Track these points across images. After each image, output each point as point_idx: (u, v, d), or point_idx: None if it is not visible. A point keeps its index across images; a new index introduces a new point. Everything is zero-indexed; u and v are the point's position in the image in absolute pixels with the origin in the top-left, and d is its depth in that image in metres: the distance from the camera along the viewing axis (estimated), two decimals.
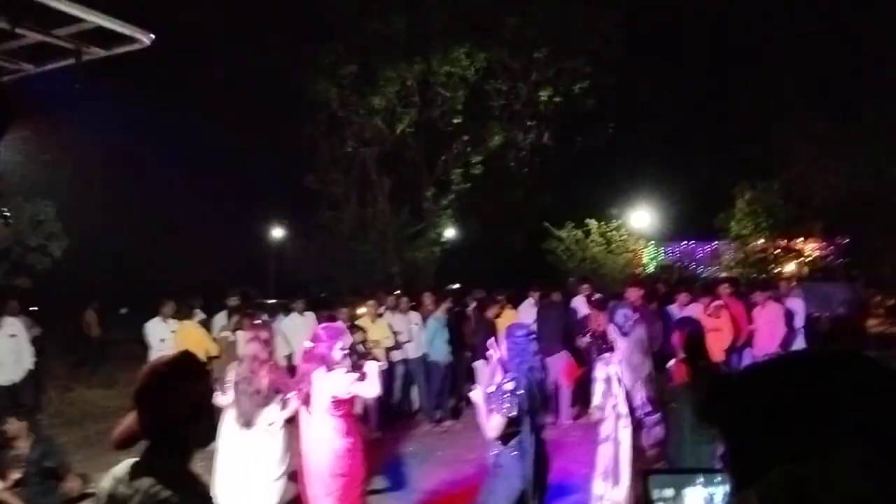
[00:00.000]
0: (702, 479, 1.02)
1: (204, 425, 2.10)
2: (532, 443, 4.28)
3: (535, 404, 4.29)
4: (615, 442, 4.49)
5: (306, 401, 4.56)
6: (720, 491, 1.00)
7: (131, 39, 3.60)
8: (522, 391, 4.23)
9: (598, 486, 4.52)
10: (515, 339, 4.42)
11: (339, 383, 4.59)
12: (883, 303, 23.56)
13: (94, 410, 11.31)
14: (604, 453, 4.52)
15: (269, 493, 5.05)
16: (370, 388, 4.69)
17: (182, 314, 9.60)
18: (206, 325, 10.13)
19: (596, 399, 4.52)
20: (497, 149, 19.25)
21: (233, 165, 20.76)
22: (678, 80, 22.49)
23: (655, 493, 1.02)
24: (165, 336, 9.78)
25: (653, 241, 21.97)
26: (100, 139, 17.13)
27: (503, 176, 20.11)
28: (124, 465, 2.09)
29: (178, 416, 2.02)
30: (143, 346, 10.09)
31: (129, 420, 2.05)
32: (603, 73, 18.79)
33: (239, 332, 9.48)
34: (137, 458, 2.08)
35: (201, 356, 9.01)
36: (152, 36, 3.58)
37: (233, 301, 11.00)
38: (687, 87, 22.79)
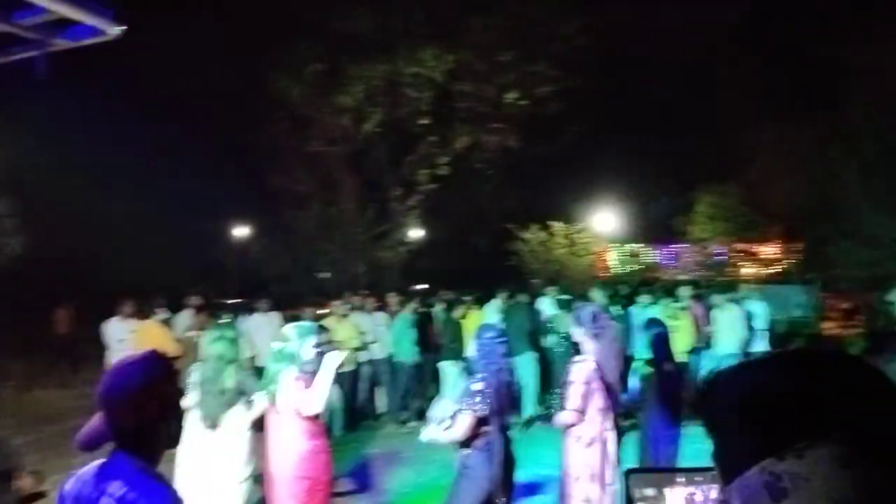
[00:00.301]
0: (682, 479, 1.04)
1: (173, 426, 2.07)
2: (500, 444, 4.31)
3: (503, 405, 4.33)
4: (602, 443, 4.50)
5: (274, 401, 4.52)
6: (701, 490, 1.02)
7: (99, 31, 3.51)
8: (491, 391, 4.26)
9: (584, 490, 4.51)
10: (484, 340, 4.47)
11: (297, 393, 4.55)
12: (837, 306, 24.16)
13: (49, 411, 11.07)
14: (591, 455, 4.51)
15: (233, 496, 4.99)
16: (316, 400, 4.63)
17: (143, 313, 9.42)
18: (167, 324, 9.96)
19: (572, 402, 4.49)
20: (463, 150, 19.31)
21: (195, 163, 20.48)
22: (642, 86, 22.79)
23: (636, 493, 1.03)
24: (124, 336, 9.60)
25: (618, 244, 22.27)
26: (59, 135, 16.78)
27: (469, 177, 20.17)
28: (90, 467, 2.05)
29: (149, 417, 1.99)
30: (100, 346, 9.90)
31: (95, 421, 2.01)
32: (568, 77, 18.96)
33: (202, 332, 9.36)
34: (103, 460, 2.04)
35: None
36: (122, 28, 3.49)
37: (194, 300, 10.86)
38: (651, 92, 23.11)
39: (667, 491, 1.03)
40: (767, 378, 0.86)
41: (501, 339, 4.52)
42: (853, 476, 0.76)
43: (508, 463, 4.47)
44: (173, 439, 2.07)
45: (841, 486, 0.76)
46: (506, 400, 4.35)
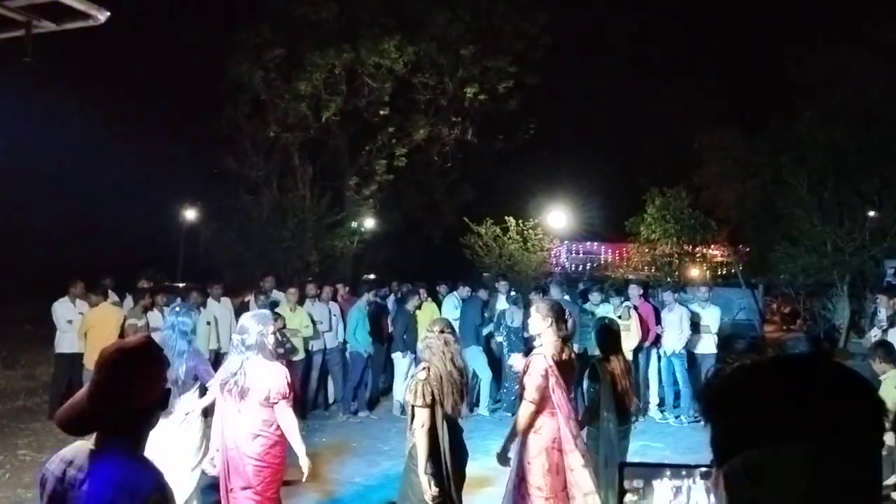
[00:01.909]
0: (668, 473, 1.13)
1: (159, 413, 2.09)
2: (444, 432, 4.38)
3: (449, 394, 4.40)
4: (558, 436, 4.60)
5: (242, 393, 4.50)
6: (685, 483, 1.12)
7: (85, 15, 3.46)
8: (434, 381, 4.35)
9: (539, 480, 4.59)
10: (428, 332, 4.62)
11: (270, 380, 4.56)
12: (779, 310, 24.91)
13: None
14: (554, 449, 4.60)
15: (185, 483, 4.98)
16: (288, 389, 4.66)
17: (98, 295, 9.25)
18: (116, 306, 9.79)
19: (529, 394, 4.58)
20: (421, 142, 19.33)
21: (145, 143, 20.05)
22: (598, 86, 23.12)
23: (627, 484, 1.12)
24: (73, 318, 9.44)
25: (566, 241, 22.56)
26: (5, 112, 16.26)
27: (426, 170, 20.20)
28: (74, 448, 2.05)
29: (141, 402, 2.01)
30: (45, 327, 9.71)
31: (78, 403, 2.01)
32: (527, 74, 19.13)
33: (151, 315, 9.23)
34: (86, 441, 2.05)
35: (112, 340, 8.72)
36: (107, 13, 3.45)
37: (143, 284, 10.70)
38: (607, 93, 23.46)
39: (655, 483, 1.13)
40: (758, 378, 0.96)
41: (449, 331, 4.61)
42: (821, 471, 0.86)
43: (457, 453, 4.54)
44: (154, 424, 2.09)
45: (809, 480, 0.85)
46: (451, 391, 4.42)
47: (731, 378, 0.99)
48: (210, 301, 10.27)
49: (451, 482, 4.45)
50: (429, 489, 4.31)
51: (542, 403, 4.58)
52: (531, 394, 4.54)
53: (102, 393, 1.97)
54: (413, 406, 4.38)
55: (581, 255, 24.88)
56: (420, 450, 4.33)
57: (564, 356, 4.75)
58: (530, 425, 4.62)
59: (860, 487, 0.87)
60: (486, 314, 11.24)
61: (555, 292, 10.57)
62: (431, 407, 4.36)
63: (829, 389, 0.91)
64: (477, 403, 10.74)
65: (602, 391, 5.10)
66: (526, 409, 4.58)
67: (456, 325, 10.63)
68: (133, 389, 1.99)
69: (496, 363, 10.92)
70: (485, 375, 10.72)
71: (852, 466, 0.87)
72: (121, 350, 2.06)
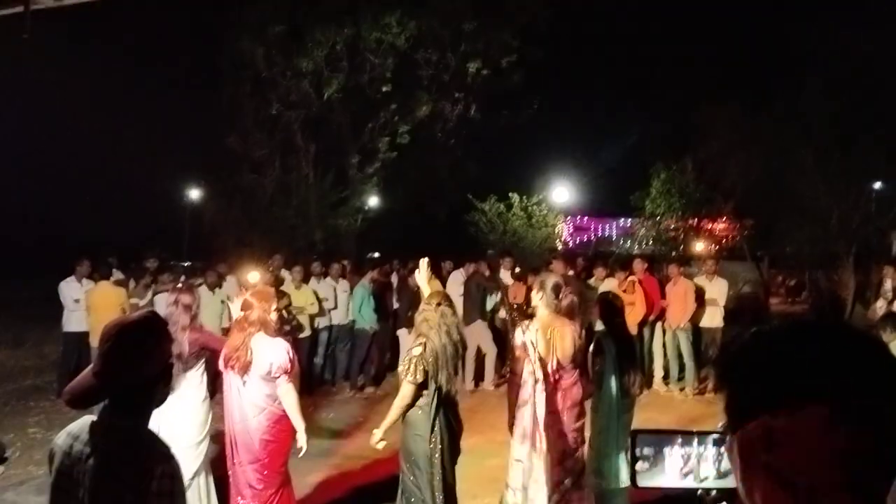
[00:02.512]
0: (680, 440, 1.14)
1: (165, 387, 2.11)
2: (436, 404, 4.42)
3: (443, 368, 4.44)
4: (532, 405, 4.69)
5: (244, 368, 4.54)
6: (696, 451, 1.13)
7: None
8: (430, 356, 4.40)
9: (517, 450, 4.71)
10: (424, 306, 4.64)
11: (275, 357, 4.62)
12: (784, 282, 24.92)
13: (1, 371, 10.90)
14: (522, 416, 4.72)
15: (189, 458, 5.02)
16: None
17: (100, 274, 9.28)
18: (122, 285, 9.83)
19: (513, 366, 4.74)
20: (424, 119, 19.22)
21: (150, 122, 20.02)
22: (603, 61, 22.95)
23: (638, 451, 1.13)
24: (79, 297, 9.49)
25: (570, 217, 22.52)
26: (10, 92, 16.24)
27: (429, 147, 20.11)
28: (81, 423, 2.07)
29: (148, 376, 2.02)
30: (52, 306, 9.77)
31: (85, 378, 2.03)
32: (530, 48, 18.96)
33: (160, 296, 9.26)
34: (93, 416, 2.07)
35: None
36: None
37: (150, 263, 10.73)
38: (611, 67, 23.29)
39: (666, 450, 1.14)
40: (774, 343, 0.96)
41: (446, 304, 4.63)
42: (838, 435, 0.85)
43: (451, 427, 4.59)
44: (162, 399, 2.11)
45: (826, 444, 0.85)
46: (445, 365, 4.45)
47: (747, 343, 0.98)
48: (224, 281, 10.33)
49: (446, 456, 4.50)
50: (376, 441, 4.51)
51: (526, 376, 4.70)
52: (513, 366, 4.75)
53: (105, 367, 1.99)
54: (407, 382, 4.44)
55: (585, 231, 24.82)
56: (390, 416, 4.46)
57: (556, 329, 4.81)
58: (523, 399, 4.74)
59: (878, 450, 0.86)
60: (488, 291, 11.24)
61: (557, 268, 10.58)
62: (421, 385, 4.39)
63: (845, 352, 0.91)
64: (482, 378, 10.81)
65: (606, 365, 5.12)
66: (510, 382, 4.81)
67: (460, 301, 10.73)
68: (134, 363, 2.01)
69: (501, 339, 10.96)
70: (490, 351, 10.78)
71: (871, 429, 0.86)
72: (121, 324, 2.07)
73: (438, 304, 4.58)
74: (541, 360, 4.71)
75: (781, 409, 0.88)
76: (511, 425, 4.90)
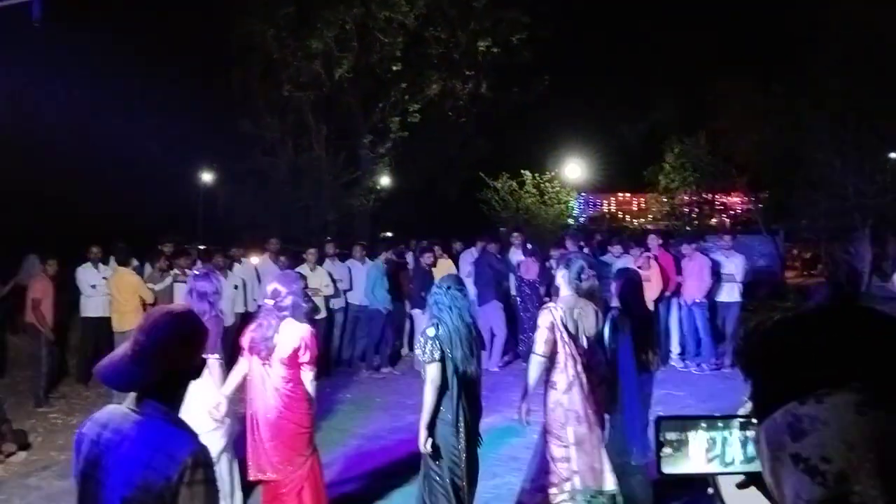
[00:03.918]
0: (704, 425, 1.13)
1: (194, 379, 2.14)
2: (456, 384, 4.43)
3: (457, 347, 4.44)
4: (579, 386, 4.65)
5: (270, 353, 4.60)
6: (720, 435, 1.12)
7: None
8: (444, 336, 4.40)
9: (571, 434, 4.65)
10: (435, 288, 4.65)
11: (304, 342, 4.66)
12: (800, 255, 24.78)
13: (19, 357, 11.00)
14: (569, 400, 4.65)
15: (208, 442, 5.06)
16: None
17: (118, 260, 9.33)
18: (138, 272, 9.89)
19: (538, 347, 4.67)
20: (435, 97, 19.14)
21: (161, 107, 20.01)
22: (614, 35, 22.72)
23: (663, 437, 1.13)
24: (96, 282, 9.55)
25: (584, 193, 22.46)
26: (22, 76, 16.26)
27: (440, 125, 20.04)
28: (108, 412, 2.10)
29: (182, 366, 2.06)
30: (68, 291, 9.83)
31: (120, 361, 2.04)
32: (540, 25, 18.78)
33: (179, 284, 9.30)
34: (118, 405, 2.09)
35: (136, 303, 8.82)
36: None
37: (168, 248, 10.76)
38: (622, 42, 23.06)
39: (690, 434, 1.13)
40: (799, 330, 0.94)
41: (457, 287, 4.63)
42: (867, 421, 0.84)
43: (472, 408, 4.60)
44: (185, 392, 2.14)
45: (855, 430, 0.84)
46: (459, 345, 4.45)
47: (771, 331, 0.97)
48: (235, 264, 10.37)
49: (468, 437, 4.51)
50: (424, 443, 4.38)
51: (553, 357, 4.65)
52: (539, 346, 4.65)
53: (148, 354, 2.02)
54: (423, 363, 4.45)
55: (598, 206, 24.75)
56: (427, 403, 4.40)
57: (580, 310, 4.78)
58: (547, 379, 4.71)
59: None
60: (502, 269, 11.19)
61: (570, 245, 10.54)
62: (442, 362, 4.40)
63: (870, 337, 0.89)
64: (494, 358, 10.81)
65: (622, 342, 5.12)
66: (534, 362, 4.70)
67: (470, 281, 10.74)
68: (178, 353, 2.05)
69: (512, 315, 10.98)
70: (500, 333, 10.73)
71: None
72: (170, 314, 2.12)
73: (449, 287, 4.59)
74: (574, 340, 4.69)
75: (809, 396, 0.87)
76: (521, 407, 4.85)
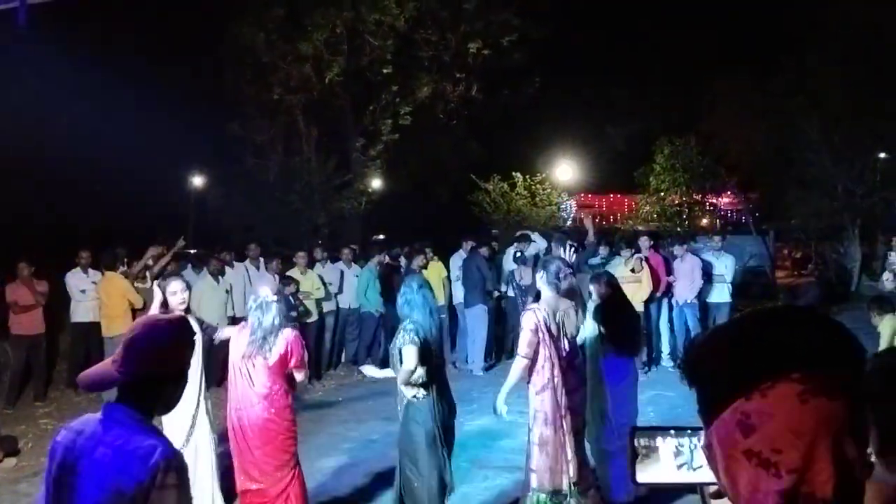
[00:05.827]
0: (672, 432, 1.18)
1: (178, 391, 2.15)
2: (432, 386, 4.49)
3: (432, 348, 4.51)
4: (552, 389, 4.71)
5: (255, 357, 4.61)
6: (688, 442, 1.16)
7: None
8: (420, 337, 4.43)
9: (539, 433, 4.71)
10: (406, 287, 4.70)
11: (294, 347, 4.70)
12: (790, 255, 24.91)
13: (9, 361, 10.97)
14: (542, 400, 4.73)
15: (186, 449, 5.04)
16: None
17: (107, 264, 9.30)
18: (124, 275, 9.84)
19: (521, 349, 4.74)
20: (426, 100, 19.13)
21: (151, 110, 19.96)
22: (604, 37, 22.78)
23: (637, 444, 1.18)
24: (86, 287, 9.53)
25: (574, 195, 22.52)
26: (10, 78, 16.19)
27: (431, 128, 20.05)
28: (83, 419, 2.11)
29: (163, 374, 2.07)
30: (59, 297, 9.80)
31: (104, 365, 2.08)
32: (531, 27, 18.82)
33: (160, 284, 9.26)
34: (95, 414, 2.10)
35: (124, 308, 8.79)
36: None
37: (155, 251, 10.71)
38: (614, 43, 23.13)
39: (659, 441, 1.17)
40: (737, 331, 0.98)
41: (427, 288, 4.70)
42: (810, 409, 0.87)
43: (446, 406, 4.64)
44: (170, 405, 2.15)
45: (800, 419, 0.87)
46: (431, 344, 4.50)
47: (709, 337, 1.02)
48: (227, 268, 10.34)
49: (441, 440, 4.55)
50: (408, 392, 4.51)
51: (536, 358, 4.72)
52: (522, 348, 4.73)
53: (126, 357, 2.03)
54: (400, 350, 4.45)
55: (590, 208, 24.77)
56: (403, 371, 4.43)
57: (563, 311, 4.85)
58: (528, 381, 4.77)
59: (851, 420, 0.89)
60: (491, 270, 11.18)
61: (556, 249, 10.54)
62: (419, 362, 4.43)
63: (807, 331, 0.94)
64: (466, 361, 10.80)
65: (607, 344, 5.23)
66: (517, 364, 4.79)
67: (459, 283, 10.76)
68: (158, 356, 2.06)
69: (505, 320, 10.99)
70: (479, 336, 10.72)
71: (842, 400, 0.88)
72: (153, 321, 2.17)
73: (420, 286, 4.64)
74: (554, 341, 4.74)
75: (753, 392, 0.90)
76: (497, 403, 4.90)
